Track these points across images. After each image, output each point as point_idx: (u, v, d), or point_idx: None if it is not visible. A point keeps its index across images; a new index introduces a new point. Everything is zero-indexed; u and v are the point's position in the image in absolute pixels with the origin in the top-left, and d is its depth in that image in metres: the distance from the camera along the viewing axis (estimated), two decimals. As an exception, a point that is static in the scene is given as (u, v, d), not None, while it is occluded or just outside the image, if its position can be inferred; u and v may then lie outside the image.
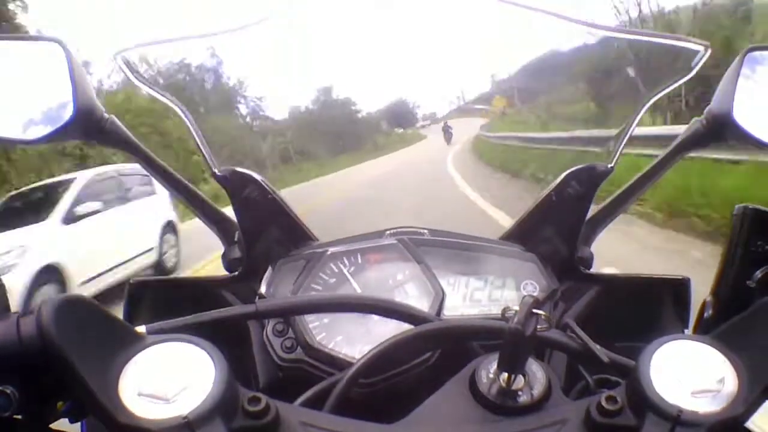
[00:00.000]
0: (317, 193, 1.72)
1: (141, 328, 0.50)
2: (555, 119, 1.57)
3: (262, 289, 0.76)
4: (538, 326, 0.49)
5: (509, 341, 0.48)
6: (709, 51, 0.74)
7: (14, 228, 6.10)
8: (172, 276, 0.91)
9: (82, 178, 7.27)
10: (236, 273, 0.84)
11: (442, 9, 0.92)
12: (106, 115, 0.76)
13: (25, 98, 0.73)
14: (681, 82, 0.77)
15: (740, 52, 0.72)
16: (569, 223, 0.81)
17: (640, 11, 13.33)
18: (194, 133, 0.78)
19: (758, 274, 0.62)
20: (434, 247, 0.80)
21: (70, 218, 6.48)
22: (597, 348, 0.55)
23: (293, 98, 1.09)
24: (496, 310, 0.76)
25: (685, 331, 0.79)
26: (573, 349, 0.57)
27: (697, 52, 0.75)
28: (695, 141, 0.77)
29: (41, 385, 0.43)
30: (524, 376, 0.50)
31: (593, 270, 0.85)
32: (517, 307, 0.49)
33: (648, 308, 0.83)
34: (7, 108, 0.72)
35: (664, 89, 0.78)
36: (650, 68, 0.92)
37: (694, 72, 0.75)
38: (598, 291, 0.82)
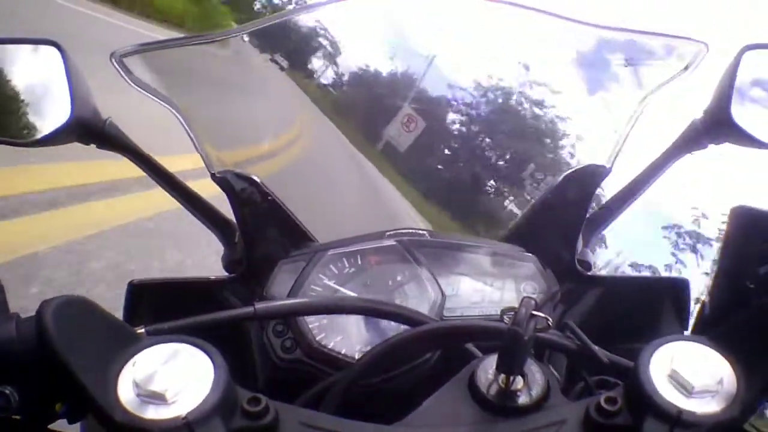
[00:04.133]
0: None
1: (140, 329, 0.50)
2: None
3: (262, 290, 0.76)
4: (538, 327, 0.49)
5: (508, 342, 0.48)
6: (709, 49, 0.74)
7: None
8: (172, 277, 0.91)
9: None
10: (236, 274, 0.84)
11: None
12: (105, 117, 0.76)
13: (22, 100, 0.73)
14: (679, 79, 0.77)
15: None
16: (568, 225, 0.81)
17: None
18: (191, 135, 0.78)
19: (755, 274, 0.61)
20: (434, 249, 0.79)
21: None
22: (596, 349, 0.55)
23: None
24: (495, 312, 0.75)
25: (685, 332, 0.79)
26: (572, 350, 0.57)
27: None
28: (693, 141, 0.77)
29: (40, 386, 0.43)
30: (523, 377, 0.49)
31: (592, 271, 0.85)
32: (516, 309, 0.49)
33: (647, 309, 0.83)
34: (4, 110, 0.73)
35: (660, 87, 0.78)
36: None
37: (692, 70, 0.75)
38: (598, 292, 0.82)
